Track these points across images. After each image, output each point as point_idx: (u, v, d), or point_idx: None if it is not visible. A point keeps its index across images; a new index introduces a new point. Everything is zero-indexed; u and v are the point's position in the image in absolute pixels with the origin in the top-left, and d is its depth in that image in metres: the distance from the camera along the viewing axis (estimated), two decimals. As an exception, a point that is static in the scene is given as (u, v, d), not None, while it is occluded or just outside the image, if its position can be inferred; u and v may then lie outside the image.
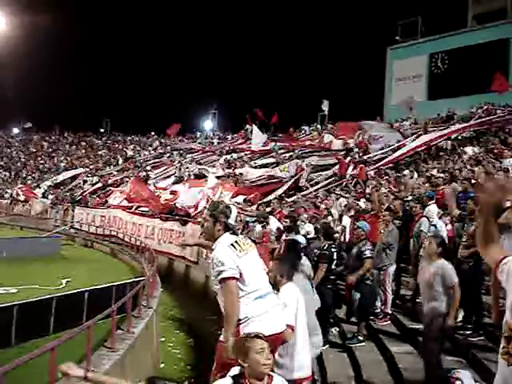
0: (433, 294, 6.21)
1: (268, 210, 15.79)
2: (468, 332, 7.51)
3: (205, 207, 19.27)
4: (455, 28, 41.16)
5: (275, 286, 4.75)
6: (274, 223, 13.18)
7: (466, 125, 23.36)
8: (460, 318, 8.14)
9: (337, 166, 23.37)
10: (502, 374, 2.42)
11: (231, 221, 4.60)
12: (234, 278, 4.23)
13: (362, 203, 13.68)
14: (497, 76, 28.25)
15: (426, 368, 6.25)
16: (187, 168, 32.71)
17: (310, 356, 5.06)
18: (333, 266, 8.37)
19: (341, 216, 13.68)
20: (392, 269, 9.54)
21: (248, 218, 15.31)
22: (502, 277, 2.57)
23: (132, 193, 26.77)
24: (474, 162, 16.99)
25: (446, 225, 10.35)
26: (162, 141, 51.89)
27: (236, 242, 4.44)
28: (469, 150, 20.14)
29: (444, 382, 5.33)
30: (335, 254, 8.49)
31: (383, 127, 28.72)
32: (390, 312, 9.34)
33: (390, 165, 22.17)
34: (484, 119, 24.08)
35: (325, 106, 44.56)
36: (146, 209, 25.84)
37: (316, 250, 8.19)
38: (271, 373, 3.40)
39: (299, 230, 10.76)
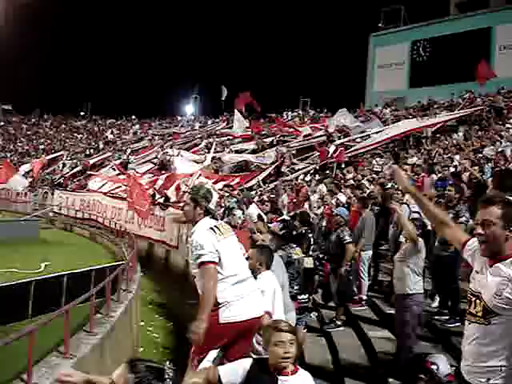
0: (404, 272, 6.29)
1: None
2: (444, 318, 7.61)
3: (184, 192, 19.26)
4: (438, 16, 41.21)
5: (253, 274, 4.77)
6: (253, 209, 13.24)
7: (450, 117, 23.42)
8: (436, 303, 8.27)
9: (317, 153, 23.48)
10: (465, 330, 3.04)
11: (212, 205, 4.62)
12: (213, 262, 4.25)
13: (343, 196, 13.65)
14: (481, 65, 27.83)
15: (398, 350, 6.33)
16: (167, 152, 32.52)
17: None
18: (310, 252, 8.42)
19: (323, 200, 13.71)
20: (366, 255, 9.63)
21: (229, 204, 15.33)
22: (468, 257, 3.20)
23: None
24: (455, 150, 17.10)
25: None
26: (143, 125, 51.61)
27: (216, 226, 4.47)
28: (457, 135, 20.27)
29: (414, 365, 5.42)
30: (312, 239, 8.55)
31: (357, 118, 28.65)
32: (364, 298, 9.43)
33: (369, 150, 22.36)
34: (467, 110, 24.15)
35: None
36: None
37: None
38: (296, 366, 3.30)
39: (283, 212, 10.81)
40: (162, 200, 21.92)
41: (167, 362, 2.16)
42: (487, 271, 2.94)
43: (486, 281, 2.90)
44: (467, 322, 3.01)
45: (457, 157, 15.50)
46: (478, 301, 2.91)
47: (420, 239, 6.44)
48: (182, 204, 18.11)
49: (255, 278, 4.76)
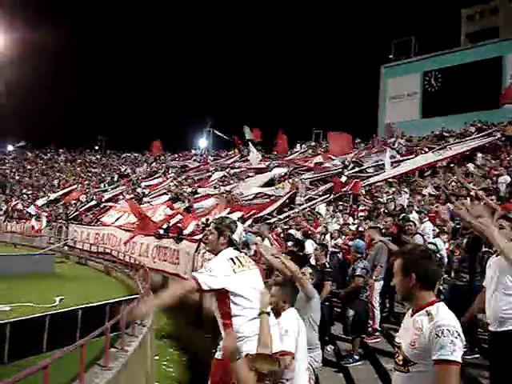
0: None
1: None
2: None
3: (198, 225, 19.32)
4: (448, 46, 41.61)
5: (276, 311, 4.61)
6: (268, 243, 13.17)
7: (464, 149, 23.53)
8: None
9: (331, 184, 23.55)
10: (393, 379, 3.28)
11: (235, 236, 4.57)
12: (200, 286, 4.12)
13: (353, 227, 13.59)
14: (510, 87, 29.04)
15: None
16: (181, 186, 32.72)
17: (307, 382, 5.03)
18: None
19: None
20: (380, 285, 9.52)
21: (245, 238, 15.28)
22: None
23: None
24: (469, 180, 16.99)
25: (444, 243, 10.34)
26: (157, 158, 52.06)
27: (237, 257, 4.40)
28: (470, 165, 20.26)
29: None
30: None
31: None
32: (378, 328, 9.30)
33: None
34: (482, 140, 24.23)
35: None
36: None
37: None
38: None
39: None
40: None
41: None
42: (407, 323, 3.17)
43: (405, 332, 3.14)
44: (394, 371, 3.22)
45: (470, 185, 15.42)
46: (399, 351, 3.12)
47: None
48: (199, 236, 18.22)
49: (279, 315, 4.64)
